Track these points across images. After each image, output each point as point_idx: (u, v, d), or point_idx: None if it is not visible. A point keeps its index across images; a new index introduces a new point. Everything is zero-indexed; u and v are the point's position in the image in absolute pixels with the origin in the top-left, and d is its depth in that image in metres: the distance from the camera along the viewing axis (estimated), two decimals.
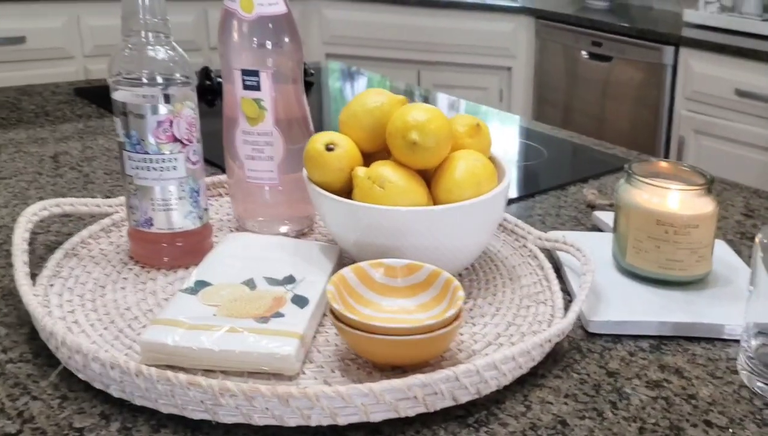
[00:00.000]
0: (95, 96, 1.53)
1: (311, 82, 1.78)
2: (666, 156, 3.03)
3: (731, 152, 2.82)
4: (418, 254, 0.75)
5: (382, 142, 0.81)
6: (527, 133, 1.50)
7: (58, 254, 0.81)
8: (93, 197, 1.02)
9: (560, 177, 1.22)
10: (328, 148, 0.78)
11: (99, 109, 1.45)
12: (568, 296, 0.82)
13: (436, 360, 0.68)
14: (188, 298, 0.71)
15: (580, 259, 0.82)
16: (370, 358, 0.66)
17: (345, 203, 0.75)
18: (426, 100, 1.83)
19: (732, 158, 2.81)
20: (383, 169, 0.76)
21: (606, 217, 1.01)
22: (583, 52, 3.27)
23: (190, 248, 0.82)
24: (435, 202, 0.78)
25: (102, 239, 0.87)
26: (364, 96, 0.82)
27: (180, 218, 0.80)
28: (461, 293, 0.68)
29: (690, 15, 3.14)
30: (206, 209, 0.83)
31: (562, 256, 0.88)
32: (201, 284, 0.73)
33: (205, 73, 1.65)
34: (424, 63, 3.58)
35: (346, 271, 0.71)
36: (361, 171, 0.77)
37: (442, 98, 1.85)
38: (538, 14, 3.44)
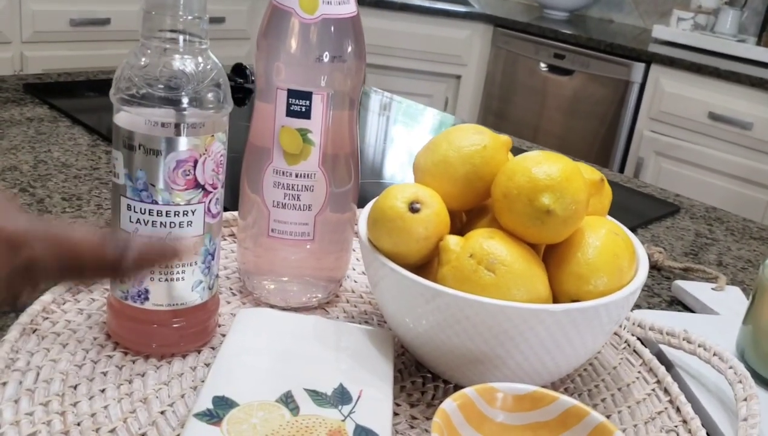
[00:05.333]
0: (48, 93, 1.23)
1: (251, 89, 1.42)
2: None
3: (693, 177, 2.66)
4: (516, 363, 0.54)
5: (477, 200, 0.59)
6: None
7: (13, 333, 0.56)
8: None
9: None
10: (413, 209, 0.55)
11: (53, 111, 1.15)
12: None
13: None
14: (207, 430, 0.47)
15: (728, 376, 0.60)
16: None
17: (437, 291, 0.52)
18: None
19: (693, 183, 2.65)
20: (493, 244, 0.54)
21: (693, 288, 0.81)
22: (542, 64, 3.06)
23: (190, 329, 0.58)
24: (555, 291, 0.56)
25: (69, 303, 0.62)
26: (456, 134, 0.59)
27: (185, 291, 0.56)
28: None
29: (660, 31, 2.92)
30: (217, 276, 0.59)
31: (670, 350, 0.68)
32: (222, 404, 0.50)
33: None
34: (369, 66, 3.31)
35: (449, 405, 0.48)
36: (453, 242, 0.55)
37: (375, 98, 1.59)
38: (497, 22, 3.20)
